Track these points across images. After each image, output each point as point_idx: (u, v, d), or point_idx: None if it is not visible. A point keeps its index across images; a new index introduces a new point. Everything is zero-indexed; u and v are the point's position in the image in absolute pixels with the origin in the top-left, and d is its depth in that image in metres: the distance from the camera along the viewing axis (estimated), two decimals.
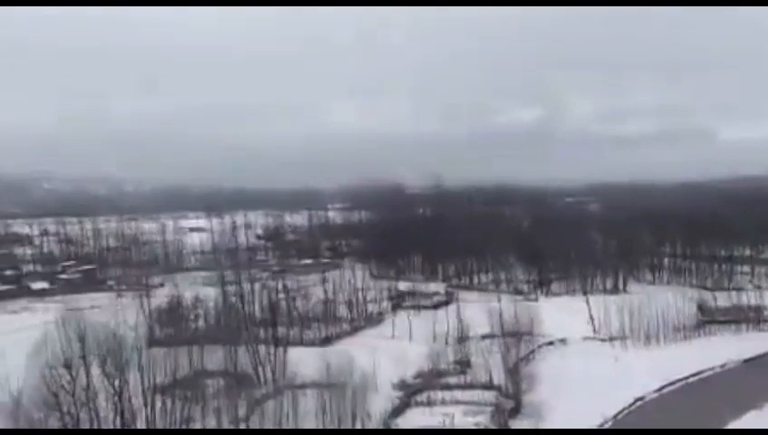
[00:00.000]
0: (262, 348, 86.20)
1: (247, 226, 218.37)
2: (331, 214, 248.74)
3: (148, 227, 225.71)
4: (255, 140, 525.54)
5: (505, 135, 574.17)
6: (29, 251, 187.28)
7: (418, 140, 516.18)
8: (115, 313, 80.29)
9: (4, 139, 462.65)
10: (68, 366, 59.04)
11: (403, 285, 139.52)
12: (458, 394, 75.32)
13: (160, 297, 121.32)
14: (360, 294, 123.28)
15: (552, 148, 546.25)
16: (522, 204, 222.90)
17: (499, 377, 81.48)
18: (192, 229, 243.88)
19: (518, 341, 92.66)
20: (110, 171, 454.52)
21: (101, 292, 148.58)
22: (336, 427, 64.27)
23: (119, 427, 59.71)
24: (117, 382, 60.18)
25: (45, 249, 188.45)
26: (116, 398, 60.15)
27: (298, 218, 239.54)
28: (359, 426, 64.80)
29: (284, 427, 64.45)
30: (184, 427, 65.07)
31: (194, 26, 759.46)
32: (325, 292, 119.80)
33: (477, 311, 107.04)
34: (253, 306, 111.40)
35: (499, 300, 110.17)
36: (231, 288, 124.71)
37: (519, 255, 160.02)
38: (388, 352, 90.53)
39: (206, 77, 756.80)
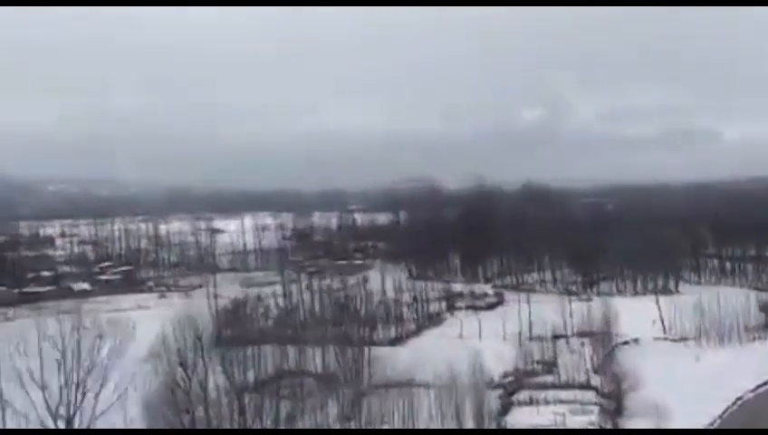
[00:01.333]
0: (339, 348, 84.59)
1: (275, 227, 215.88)
2: (355, 215, 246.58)
3: (170, 227, 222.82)
4: (257, 140, 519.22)
5: (509, 135, 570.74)
6: (59, 253, 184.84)
7: (420, 140, 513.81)
8: (176, 313, 78.73)
9: (5, 139, 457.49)
10: (182, 363, 57.46)
11: (453, 286, 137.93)
12: (559, 394, 73.74)
13: (203, 298, 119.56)
14: (416, 295, 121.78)
15: (556, 148, 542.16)
16: (547, 203, 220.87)
17: (588, 376, 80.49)
18: (214, 230, 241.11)
19: (596, 340, 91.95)
20: (114, 172, 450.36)
21: (142, 293, 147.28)
22: (448, 426, 62.78)
23: (236, 426, 57.91)
24: (236, 379, 58.56)
25: (76, 250, 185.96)
26: (233, 395, 58.45)
27: (317, 220, 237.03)
28: (469, 424, 63.28)
29: (397, 425, 62.98)
30: (289, 427, 63.59)
31: (194, 26, 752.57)
32: (384, 292, 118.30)
33: (534, 310, 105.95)
34: (314, 306, 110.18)
35: (570, 302, 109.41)
36: (278, 289, 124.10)
37: (562, 254, 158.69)
38: (467, 351, 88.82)
39: (206, 77, 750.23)
